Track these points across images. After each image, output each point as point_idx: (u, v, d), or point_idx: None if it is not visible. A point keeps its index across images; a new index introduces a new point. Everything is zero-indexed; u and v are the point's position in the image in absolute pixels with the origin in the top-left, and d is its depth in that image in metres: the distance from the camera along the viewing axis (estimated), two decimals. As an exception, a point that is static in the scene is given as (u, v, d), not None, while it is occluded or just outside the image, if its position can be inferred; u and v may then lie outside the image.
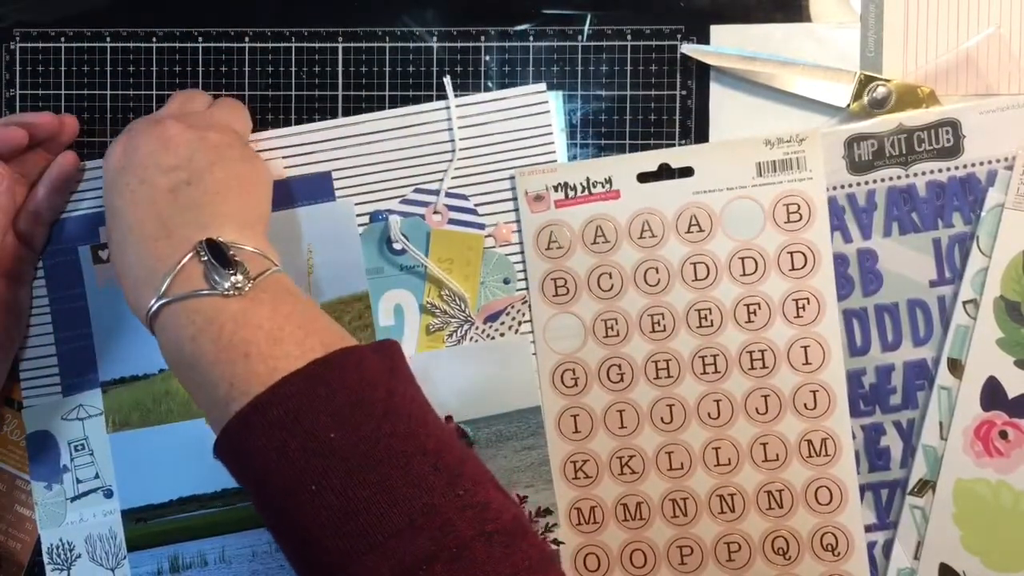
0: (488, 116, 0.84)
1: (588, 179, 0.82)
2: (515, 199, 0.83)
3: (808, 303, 0.81)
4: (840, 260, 0.81)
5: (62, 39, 0.87)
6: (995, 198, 0.79)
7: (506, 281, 0.84)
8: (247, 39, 0.86)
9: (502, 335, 0.84)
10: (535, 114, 0.84)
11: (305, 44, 0.85)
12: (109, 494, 0.85)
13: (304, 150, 0.84)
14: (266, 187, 0.76)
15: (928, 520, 0.80)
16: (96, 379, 0.85)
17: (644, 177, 0.82)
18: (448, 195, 0.84)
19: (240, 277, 0.65)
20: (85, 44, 0.87)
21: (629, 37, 0.84)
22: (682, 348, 0.82)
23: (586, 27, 0.84)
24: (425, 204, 0.84)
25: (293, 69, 0.85)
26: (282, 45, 0.85)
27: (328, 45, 0.85)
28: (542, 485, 0.83)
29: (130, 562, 0.86)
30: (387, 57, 0.85)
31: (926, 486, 0.80)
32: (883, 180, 0.81)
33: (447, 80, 0.84)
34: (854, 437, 0.81)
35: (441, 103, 0.84)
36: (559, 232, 0.83)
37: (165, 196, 0.68)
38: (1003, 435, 0.79)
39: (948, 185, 0.80)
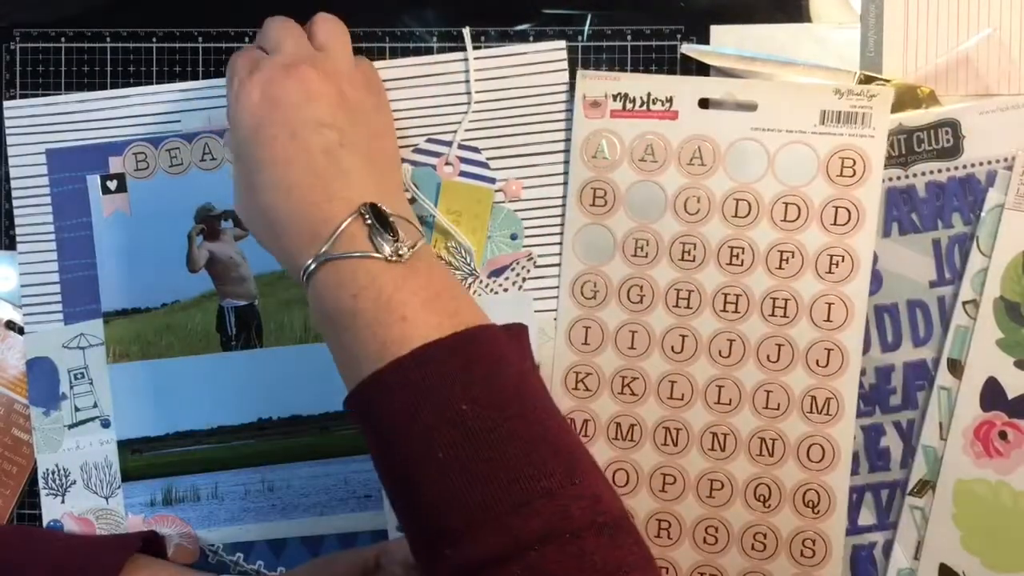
0: (505, 71, 0.84)
1: (649, 94, 0.81)
2: (569, 108, 0.83)
3: (842, 260, 0.80)
4: (840, 260, 0.81)
5: (62, 39, 0.87)
6: (995, 198, 0.80)
7: (513, 237, 0.84)
8: (247, 39, 0.86)
9: (506, 290, 0.84)
10: (552, 71, 0.84)
11: (305, 44, 0.85)
12: (106, 424, 0.87)
13: (320, 92, 0.85)
14: (394, 136, 0.79)
15: (928, 520, 0.80)
16: (98, 309, 0.86)
17: (705, 103, 0.82)
18: (461, 147, 0.84)
19: (400, 244, 0.66)
20: (85, 44, 0.87)
21: (629, 37, 0.84)
22: (707, 282, 0.81)
23: (586, 27, 0.84)
24: (437, 155, 0.84)
25: (293, 69, 0.85)
26: (282, 45, 0.85)
27: (328, 45, 0.85)
28: (535, 440, 0.84)
29: (124, 492, 0.87)
30: (387, 57, 0.84)
31: (926, 486, 0.80)
32: (883, 180, 0.81)
33: (466, 31, 0.84)
34: (854, 438, 0.81)
35: (459, 54, 0.84)
36: (609, 142, 0.82)
37: (321, 156, 0.69)
38: (1003, 436, 0.79)
39: (948, 185, 0.80)
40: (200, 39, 0.86)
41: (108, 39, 0.86)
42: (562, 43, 0.83)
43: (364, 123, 0.72)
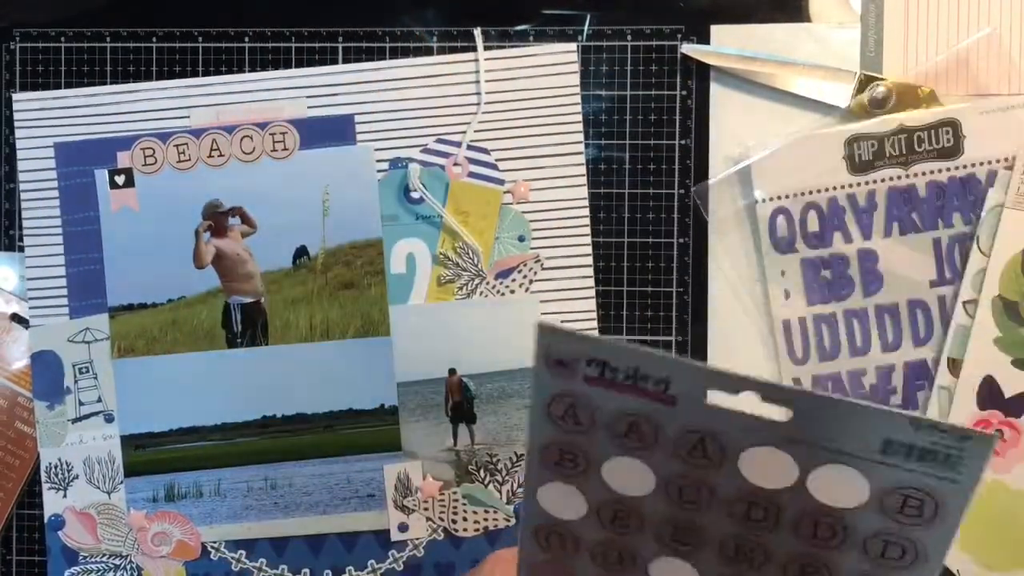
0: (516, 72, 0.84)
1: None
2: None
3: None
4: (840, 260, 0.81)
5: (62, 39, 0.87)
6: (995, 198, 0.80)
7: (521, 239, 0.84)
8: (247, 39, 0.86)
9: (512, 292, 0.84)
10: (563, 73, 0.84)
11: (305, 44, 0.85)
12: (110, 418, 0.87)
13: (329, 91, 0.85)
14: None
15: (926, 519, 0.80)
16: (104, 304, 0.87)
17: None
18: (470, 147, 0.84)
19: None
20: (85, 44, 0.87)
21: (629, 37, 0.84)
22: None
23: (586, 27, 0.84)
24: (446, 155, 0.85)
25: (293, 69, 0.86)
26: (282, 45, 0.85)
27: (328, 45, 0.85)
28: (539, 444, 0.85)
29: (126, 487, 0.87)
30: (387, 57, 0.85)
31: (926, 486, 0.80)
32: (883, 180, 0.81)
33: (477, 31, 0.84)
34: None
35: (470, 54, 0.84)
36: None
37: None
38: (999, 434, 0.80)
39: (948, 185, 0.81)
40: (200, 39, 0.86)
41: (108, 39, 0.86)
42: (573, 45, 0.83)
43: None
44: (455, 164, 0.84)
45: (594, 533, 0.58)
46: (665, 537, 0.58)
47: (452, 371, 0.84)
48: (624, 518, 0.59)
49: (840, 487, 0.51)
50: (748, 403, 0.51)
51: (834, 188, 0.81)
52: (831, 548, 0.53)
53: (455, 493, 0.85)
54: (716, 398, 0.51)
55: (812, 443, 0.50)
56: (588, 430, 0.56)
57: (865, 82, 0.81)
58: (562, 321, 0.84)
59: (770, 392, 0.50)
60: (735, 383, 0.50)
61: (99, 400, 0.87)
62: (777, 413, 0.50)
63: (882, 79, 0.81)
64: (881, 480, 0.50)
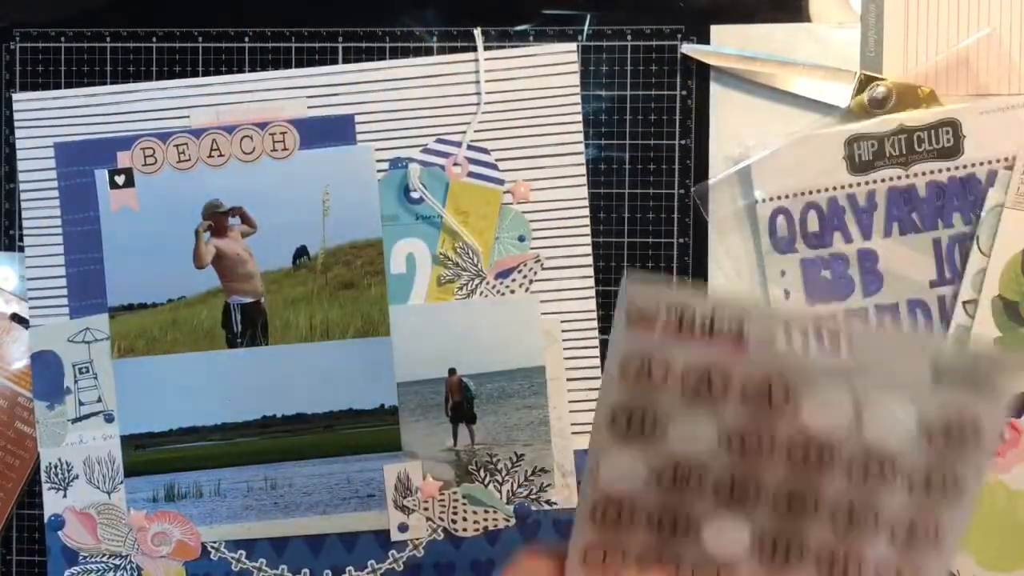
0: (516, 72, 0.84)
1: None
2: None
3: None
4: (840, 260, 0.81)
5: (62, 39, 0.87)
6: (995, 198, 0.80)
7: (521, 239, 0.84)
8: (247, 39, 0.86)
9: (512, 292, 0.84)
10: (563, 73, 0.84)
11: (305, 44, 0.85)
12: (110, 418, 0.87)
13: (329, 91, 0.85)
14: None
15: (926, 518, 0.80)
16: (104, 304, 0.87)
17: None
18: (470, 148, 0.84)
19: None
20: (85, 44, 0.87)
21: (629, 37, 0.84)
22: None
23: (586, 27, 0.84)
24: (446, 155, 0.85)
25: (293, 69, 0.86)
26: (282, 45, 0.85)
27: (328, 45, 0.85)
28: (540, 444, 0.85)
29: (126, 487, 0.87)
30: (387, 57, 0.85)
31: (925, 486, 0.81)
32: (883, 180, 0.81)
33: (477, 31, 0.84)
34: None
35: (470, 55, 0.84)
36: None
37: None
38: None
39: (948, 185, 0.81)
40: (200, 39, 0.86)
41: (108, 39, 0.86)
42: (573, 45, 0.84)
43: None
44: (455, 164, 0.84)
45: (651, 499, 0.60)
46: (723, 493, 0.60)
47: (452, 371, 0.84)
48: (684, 478, 0.61)
49: (890, 422, 0.55)
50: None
51: (834, 188, 0.81)
52: (881, 485, 0.55)
53: (455, 493, 0.85)
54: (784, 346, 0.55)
55: (867, 375, 0.54)
56: (659, 387, 0.58)
57: (865, 82, 0.81)
58: (562, 321, 0.84)
59: (825, 323, 0.54)
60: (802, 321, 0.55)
61: (99, 400, 0.87)
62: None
63: (882, 79, 0.81)
64: (930, 407, 0.54)
